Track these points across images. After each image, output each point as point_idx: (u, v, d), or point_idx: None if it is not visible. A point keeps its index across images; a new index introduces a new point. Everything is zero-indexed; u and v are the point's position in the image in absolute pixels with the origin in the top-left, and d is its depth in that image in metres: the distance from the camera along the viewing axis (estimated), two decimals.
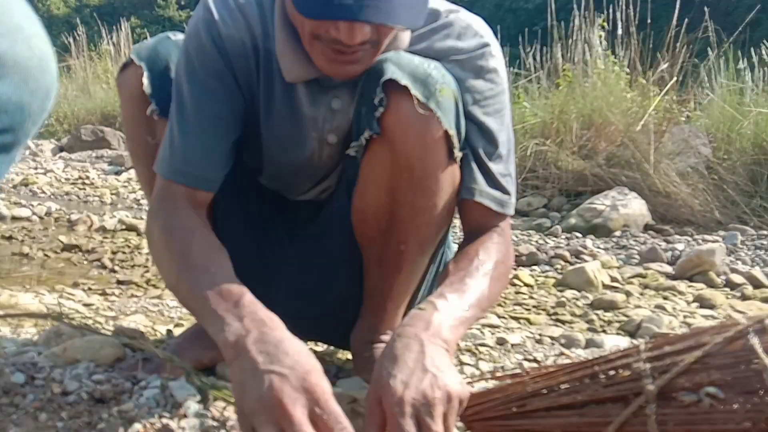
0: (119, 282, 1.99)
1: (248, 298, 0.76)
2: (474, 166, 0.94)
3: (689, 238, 2.81)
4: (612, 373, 0.65)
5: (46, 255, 2.30)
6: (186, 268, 0.82)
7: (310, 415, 0.63)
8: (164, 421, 0.82)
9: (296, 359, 0.67)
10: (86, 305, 1.65)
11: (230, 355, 0.71)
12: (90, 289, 1.90)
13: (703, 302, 1.91)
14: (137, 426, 0.81)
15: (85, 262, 2.24)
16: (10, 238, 2.43)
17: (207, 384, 0.91)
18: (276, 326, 0.72)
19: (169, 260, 0.87)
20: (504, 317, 1.76)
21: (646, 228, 3.04)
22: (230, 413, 0.85)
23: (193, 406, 0.86)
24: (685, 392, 0.59)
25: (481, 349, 1.44)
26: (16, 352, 1.07)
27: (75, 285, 1.92)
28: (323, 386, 0.65)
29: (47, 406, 0.87)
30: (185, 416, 0.84)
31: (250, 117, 0.98)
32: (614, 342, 1.54)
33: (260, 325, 0.71)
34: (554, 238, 2.85)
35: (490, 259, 0.90)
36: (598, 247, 2.66)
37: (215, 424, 0.83)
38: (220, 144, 0.93)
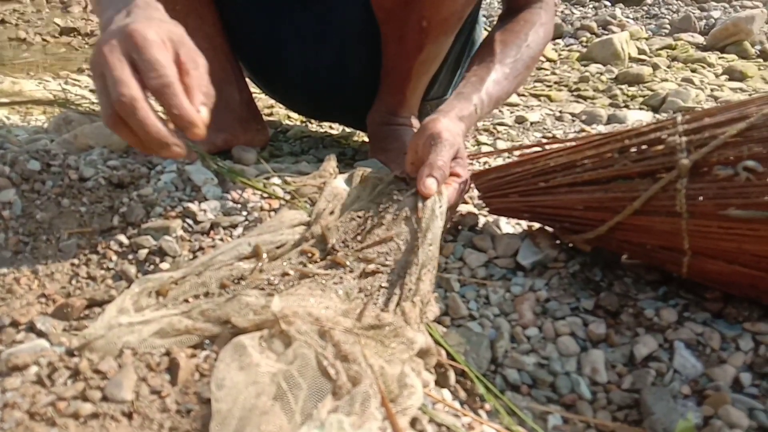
0: None
1: None
2: None
3: (726, 5, 2.60)
4: (644, 147, 0.61)
5: (44, 40, 2.20)
6: None
7: (130, 61, 0.58)
8: (185, 204, 0.83)
9: (137, 18, 0.61)
10: (92, 91, 1.60)
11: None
12: None
13: (733, 74, 1.82)
14: (158, 209, 0.82)
15: (86, 46, 2.15)
16: (2, 21, 2.31)
17: (223, 167, 0.90)
18: (149, 5, 0.65)
19: None
20: (524, 95, 1.70)
21: None
22: (249, 195, 0.85)
23: (212, 189, 0.86)
24: (721, 166, 0.56)
25: (499, 128, 1.40)
26: (28, 139, 1.05)
27: (79, 71, 1.87)
28: (144, 33, 0.57)
29: (67, 192, 0.87)
30: (205, 199, 0.84)
31: None
32: (637, 117, 1.50)
33: (133, 6, 0.64)
34: (581, 8, 2.66)
35: (517, 45, 0.84)
36: (628, 17, 2.48)
37: (236, 205, 0.84)
38: None
